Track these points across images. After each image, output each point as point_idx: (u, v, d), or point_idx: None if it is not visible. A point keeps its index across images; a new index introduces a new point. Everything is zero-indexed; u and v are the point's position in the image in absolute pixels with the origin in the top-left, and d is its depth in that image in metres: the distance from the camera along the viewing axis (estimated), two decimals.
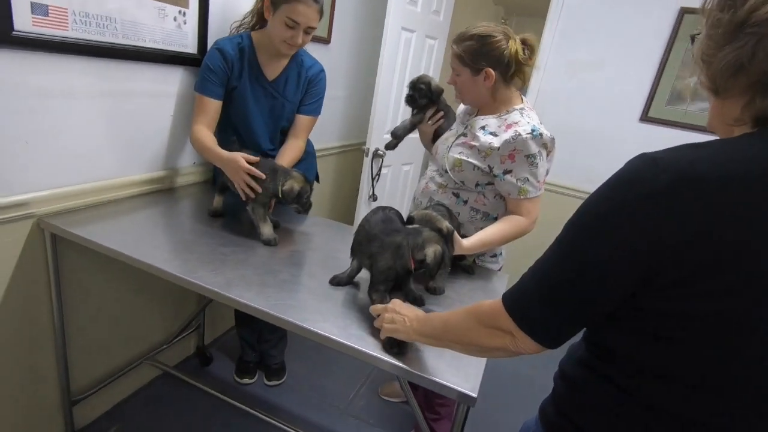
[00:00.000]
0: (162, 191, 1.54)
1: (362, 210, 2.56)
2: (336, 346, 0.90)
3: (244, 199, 1.31)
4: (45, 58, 1.10)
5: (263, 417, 1.56)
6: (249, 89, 1.49)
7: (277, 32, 1.38)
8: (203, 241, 1.23)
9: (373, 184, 2.56)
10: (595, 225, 0.55)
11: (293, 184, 1.28)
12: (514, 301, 0.63)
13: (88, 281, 1.40)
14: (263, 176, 1.28)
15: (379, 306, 0.94)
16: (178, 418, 1.66)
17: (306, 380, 1.98)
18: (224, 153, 1.32)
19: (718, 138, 0.55)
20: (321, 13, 1.40)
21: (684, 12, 2.23)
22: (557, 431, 0.65)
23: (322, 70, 1.61)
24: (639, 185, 0.51)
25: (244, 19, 1.53)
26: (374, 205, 2.64)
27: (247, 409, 1.57)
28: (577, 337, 0.68)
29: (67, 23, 1.12)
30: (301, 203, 1.30)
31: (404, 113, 2.60)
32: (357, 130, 2.76)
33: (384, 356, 0.87)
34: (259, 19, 1.51)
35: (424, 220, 1.12)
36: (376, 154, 2.48)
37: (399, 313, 0.88)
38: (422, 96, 1.45)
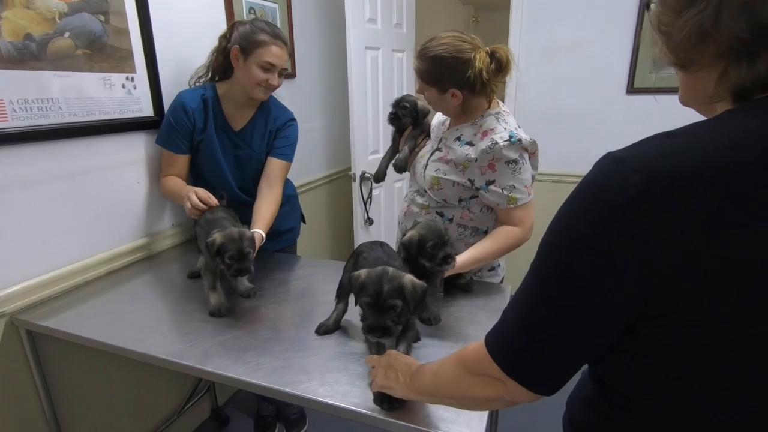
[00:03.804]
0: (141, 261, 1.50)
1: (360, 236, 2.49)
2: (322, 408, 0.82)
3: (194, 217, 1.31)
4: None
5: None
6: (216, 140, 1.45)
7: (252, 78, 1.36)
8: (181, 310, 1.17)
9: (366, 208, 2.49)
10: (568, 250, 0.46)
11: (216, 236, 1.08)
12: (496, 343, 0.54)
13: (76, 368, 1.35)
14: (215, 202, 1.29)
15: (374, 357, 0.86)
16: None
17: (329, 426, 1.88)
18: (183, 188, 1.33)
19: (692, 123, 0.46)
20: (289, 54, 1.42)
21: None
22: None
23: (292, 119, 1.56)
24: (608, 194, 0.42)
25: (198, 74, 1.50)
26: (371, 229, 2.57)
27: None
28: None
29: (6, 113, 1.09)
30: (224, 262, 1.08)
31: (385, 131, 2.54)
32: (341, 156, 2.71)
33: (375, 413, 0.79)
34: (216, 72, 1.48)
35: (431, 229, 1.03)
36: (364, 177, 2.42)
37: (392, 367, 0.79)
38: (406, 115, 1.36)
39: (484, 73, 1.11)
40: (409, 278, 0.81)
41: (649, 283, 0.41)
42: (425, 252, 1.00)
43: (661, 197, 0.39)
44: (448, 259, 1.01)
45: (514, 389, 0.52)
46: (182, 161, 1.45)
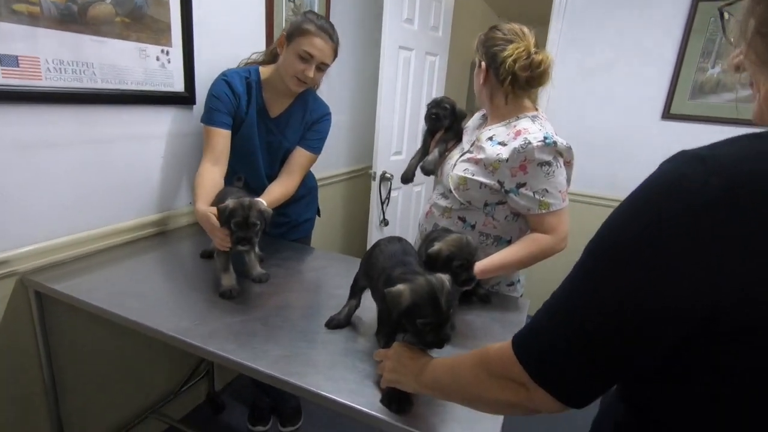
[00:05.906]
0: (157, 235, 1.48)
1: (374, 235, 2.46)
2: (326, 403, 0.79)
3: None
4: (18, 109, 1.07)
5: None
6: (255, 124, 1.42)
7: (289, 66, 1.32)
8: (191, 288, 1.15)
9: (383, 209, 2.46)
10: (628, 252, 0.42)
11: (229, 202, 1.08)
12: (526, 346, 0.50)
13: (79, 334, 1.34)
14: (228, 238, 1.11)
15: (382, 351, 0.83)
16: None
17: (323, 423, 1.84)
18: (200, 208, 1.18)
19: None
20: (335, 52, 1.37)
21: (698, 1, 2.08)
22: None
23: (328, 114, 1.54)
24: (684, 194, 0.38)
25: (252, 55, 1.51)
26: (386, 231, 2.53)
27: None
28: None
29: (40, 72, 1.08)
30: (230, 228, 1.07)
31: (409, 132, 2.52)
32: (363, 154, 2.68)
33: (381, 414, 0.75)
34: (269, 57, 1.48)
35: (461, 248, 0.98)
36: (384, 178, 2.39)
37: (400, 360, 0.76)
38: (446, 116, 1.32)
39: (511, 61, 1.07)
40: (447, 279, 0.78)
41: (719, 294, 0.37)
42: (449, 268, 0.96)
43: (744, 206, 0.36)
44: (470, 281, 0.98)
45: (540, 397, 0.48)
46: (222, 141, 1.35)
